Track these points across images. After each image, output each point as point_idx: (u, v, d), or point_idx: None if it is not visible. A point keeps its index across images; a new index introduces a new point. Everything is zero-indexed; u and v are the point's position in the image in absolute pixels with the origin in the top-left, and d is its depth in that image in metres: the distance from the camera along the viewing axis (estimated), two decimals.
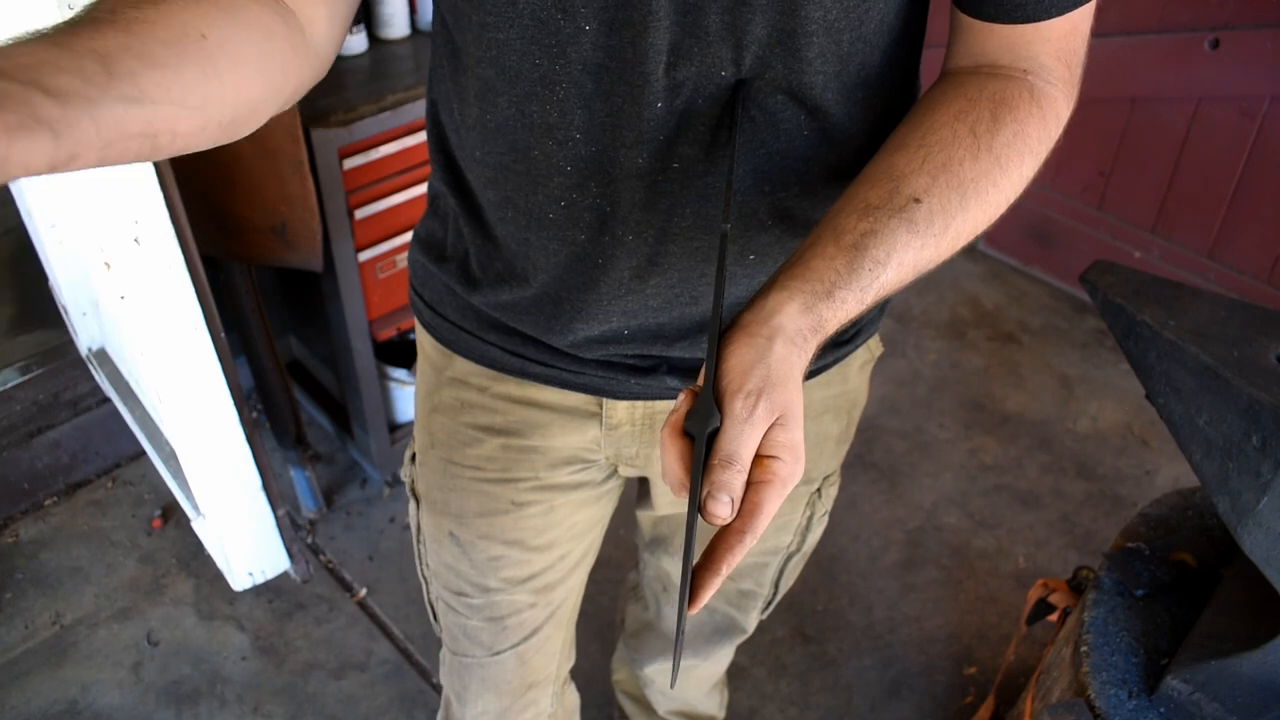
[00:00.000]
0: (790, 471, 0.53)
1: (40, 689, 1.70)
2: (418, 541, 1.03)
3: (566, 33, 0.63)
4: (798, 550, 1.06)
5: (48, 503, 2.03)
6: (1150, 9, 2.27)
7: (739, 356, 0.54)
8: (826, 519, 1.06)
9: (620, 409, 0.87)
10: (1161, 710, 1.07)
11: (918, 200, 0.61)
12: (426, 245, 0.89)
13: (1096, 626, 1.16)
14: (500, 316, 0.83)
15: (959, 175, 0.62)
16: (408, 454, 1.02)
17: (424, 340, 0.94)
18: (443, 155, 0.82)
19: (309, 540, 1.99)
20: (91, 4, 0.50)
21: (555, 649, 1.07)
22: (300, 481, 1.98)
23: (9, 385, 1.94)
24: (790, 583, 1.12)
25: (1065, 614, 1.39)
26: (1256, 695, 1.01)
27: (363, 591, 1.90)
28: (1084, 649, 1.14)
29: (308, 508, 2.02)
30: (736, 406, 0.52)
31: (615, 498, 1.02)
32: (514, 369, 0.86)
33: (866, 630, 1.86)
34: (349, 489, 2.11)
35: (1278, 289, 2.34)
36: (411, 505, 1.02)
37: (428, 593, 1.07)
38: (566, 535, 0.97)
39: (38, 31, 0.45)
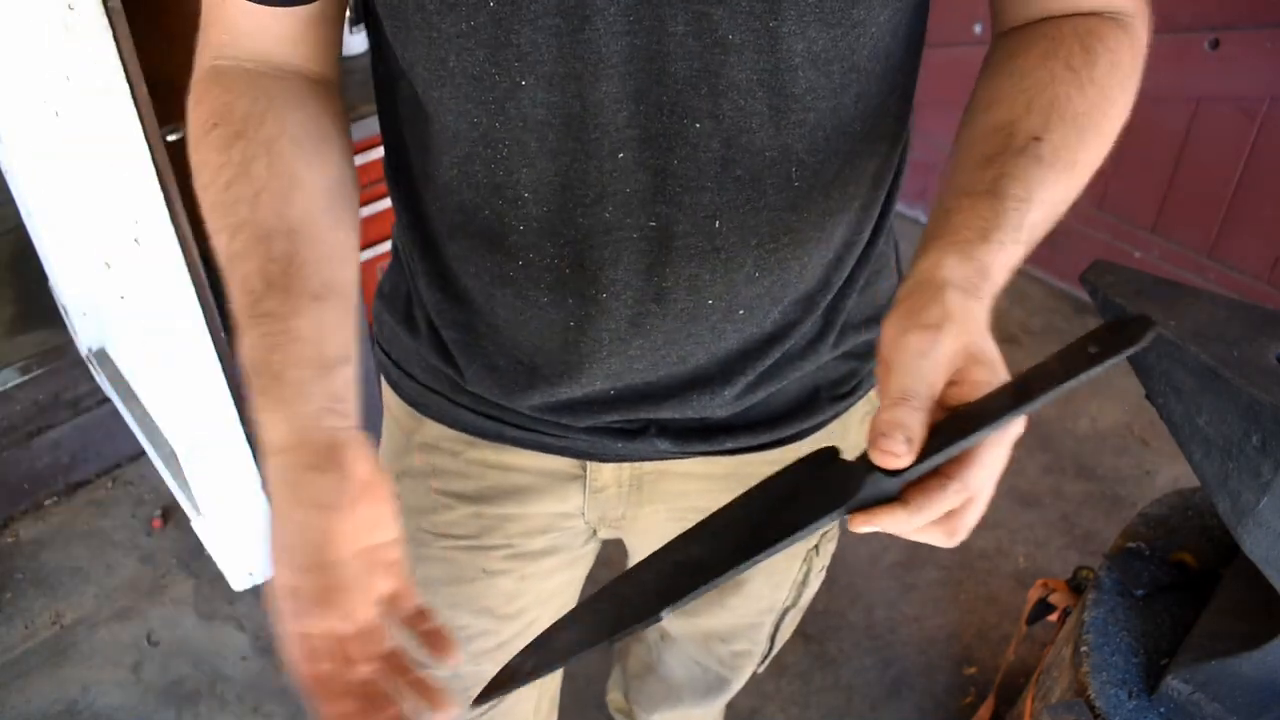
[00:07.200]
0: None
1: (40, 689, 1.70)
2: None
3: (503, 88, 0.58)
4: (794, 605, 1.01)
5: (48, 503, 2.03)
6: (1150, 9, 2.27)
7: (902, 309, 0.49)
8: (824, 573, 1.00)
9: (606, 471, 0.81)
10: (1161, 710, 1.07)
11: (1038, 139, 0.56)
12: (391, 301, 0.82)
13: (1096, 626, 1.16)
14: (474, 388, 0.77)
15: (1070, 110, 0.58)
16: None
17: (390, 399, 0.86)
18: (406, 202, 0.75)
19: None
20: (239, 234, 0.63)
21: (527, 713, 1.02)
22: None
23: (9, 385, 1.94)
24: (786, 637, 1.06)
25: (1065, 614, 1.39)
26: (1256, 695, 1.01)
27: None
28: (1084, 649, 1.14)
29: None
30: (910, 340, 0.47)
31: (591, 559, 0.97)
32: (491, 433, 0.80)
33: (866, 630, 1.86)
34: None
35: (1278, 289, 2.33)
36: None
37: None
38: (535, 601, 0.92)
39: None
